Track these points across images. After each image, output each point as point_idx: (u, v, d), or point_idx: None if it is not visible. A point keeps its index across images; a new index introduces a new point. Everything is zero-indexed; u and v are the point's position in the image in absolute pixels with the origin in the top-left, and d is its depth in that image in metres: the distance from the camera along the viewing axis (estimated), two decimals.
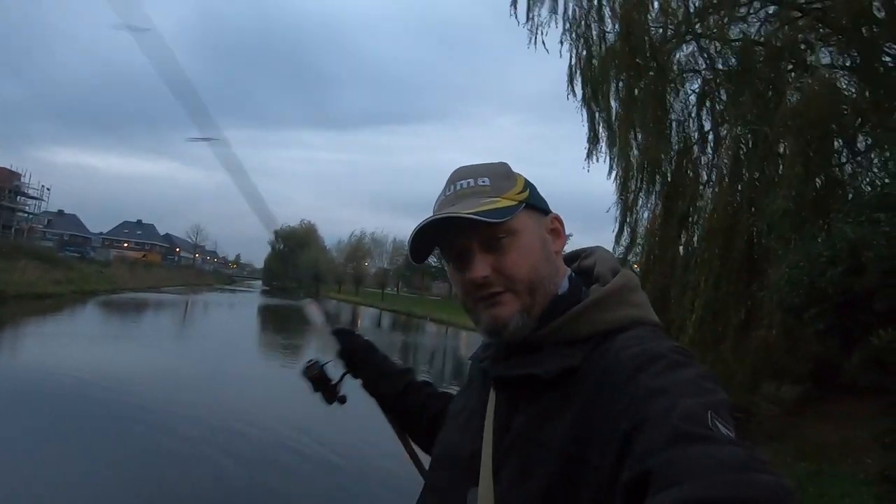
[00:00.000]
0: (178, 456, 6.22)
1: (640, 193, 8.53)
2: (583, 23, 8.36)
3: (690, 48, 8.22)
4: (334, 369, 1.20)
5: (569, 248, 0.92)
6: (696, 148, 8.42)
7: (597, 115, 8.67)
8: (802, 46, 7.44)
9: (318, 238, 78.71)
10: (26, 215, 48.82)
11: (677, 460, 0.49)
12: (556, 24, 8.49)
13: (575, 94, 8.81)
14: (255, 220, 1.17)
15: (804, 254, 5.07)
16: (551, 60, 9.59)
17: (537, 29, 8.55)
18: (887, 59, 6.73)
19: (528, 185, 0.81)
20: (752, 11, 7.72)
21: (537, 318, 0.76)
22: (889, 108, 6.40)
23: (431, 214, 0.78)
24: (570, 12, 8.40)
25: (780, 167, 6.94)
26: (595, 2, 8.20)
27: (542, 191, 0.85)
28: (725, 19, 7.35)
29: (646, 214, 8.63)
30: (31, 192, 47.98)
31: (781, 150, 7.11)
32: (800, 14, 7.31)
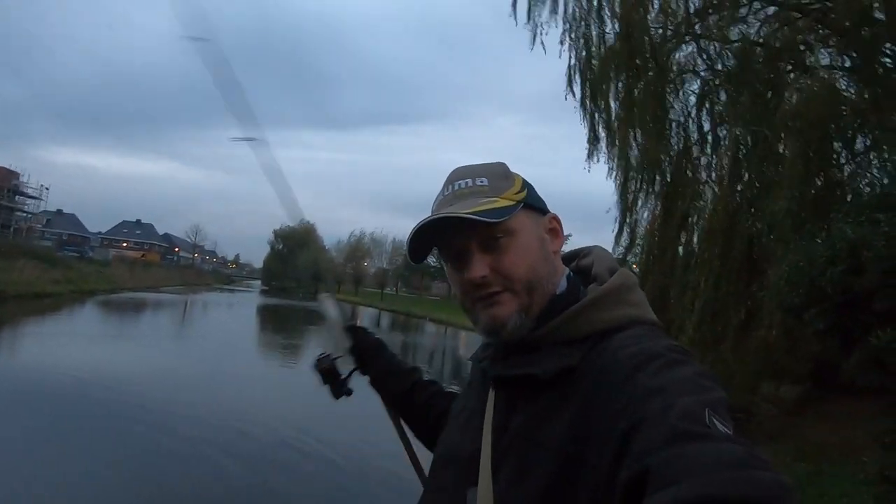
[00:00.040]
0: (178, 455, 6.22)
1: (640, 194, 8.54)
2: (583, 23, 8.36)
3: (690, 48, 8.23)
4: (344, 364, 1.22)
5: (568, 248, 0.92)
6: (695, 148, 8.42)
7: (596, 115, 8.66)
8: (802, 48, 7.46)
9: (318, 238, 78.54)
10: (25, 214, 48.77)
11: (675, 459, 0.49)
12: (557, 24, 8.50)
13: (574, 95, 8.81)
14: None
15: (804, 253, 5.07)
16: (551, 60, 9.59)
17: (538, 29, 8.56)
18: (886, 60, 6.74)
19: (526, 185, 0.82)
20: (751, 12, 7.72)
21: (535, 318, 0.76)
22: (889, 110, 6.40)
23: (430, 215, 0.78)
24: (570, 13, 8.40)
25: (780, 168, 6.94)
26: (595, 2, 8.20)
27: (542, 191, 0.85)
28: (726, 20, 7.35)
29: (645, 215, 8.63)
30: (30, 191, 47.94)
31: (781, 151, 7.12)
32: (799, 15, 7.32)
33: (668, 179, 8.20)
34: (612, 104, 8.48)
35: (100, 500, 5.06)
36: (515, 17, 8.66)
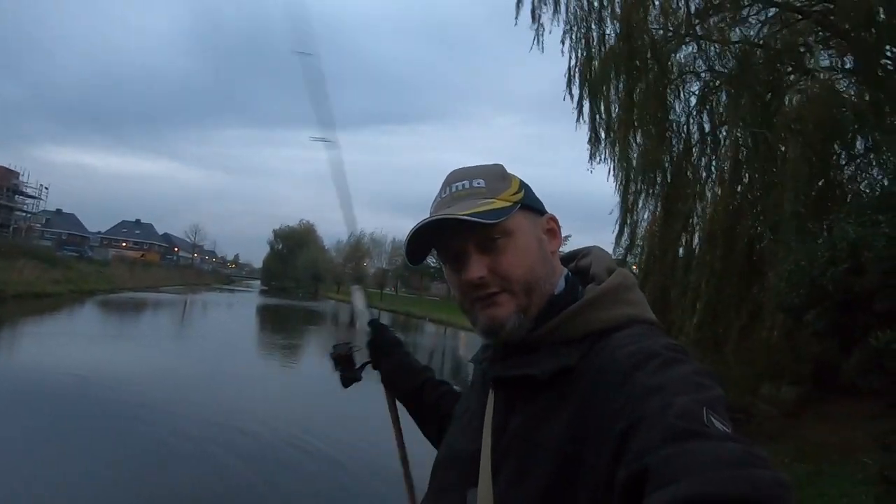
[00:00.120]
0: (178, 455, 6.21)
1: (641, 195, 8.54)
2: (584, 24, 8.37)
3: (690, 49, 8.24)
4: (359, 355, 1.27)
5: (568, 248, 0.92)
6: (696, 150, 8.43)
7: (597, 116, 8.67)
8: (802, 49, 7.46)
9: (317, 238, 78.61)
10: (24, 214, 48.71)
11: (674, 458, 0.49)
12: (559, 24, 8.51)
13: (575, 96, 8.81)
14: (339, 218, 1.35)
15: (805, 253, 5.08)
16: (552, 61, 9.60)
17: (540, 30, 8.56)
18: (887, 62, 6.75)
19: (524, 186, 0.82)
20: (752, 14, 7.73)
21: (534, 319, 0.76)
22: (889, 111, 6.42)
23: (427, 216, 0.79)
24: (571, 13, 8.41)
25: (781, 169, 6.94)
26: (595, 3, 8.20)
27: (542, 191, 0.85)
28: (727, 20, 7.36)
29: (646, 216, 8.63)
30: (29, 190, 47.86)
31: (781, 152, 7.12)
32: (799, 17, 7.32)
33: (669, 180, 8.21)
34: (613, 105, 8.49)
35: (100, 500, 5.05)
36: (517, 18, 8.66)
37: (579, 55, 8.50)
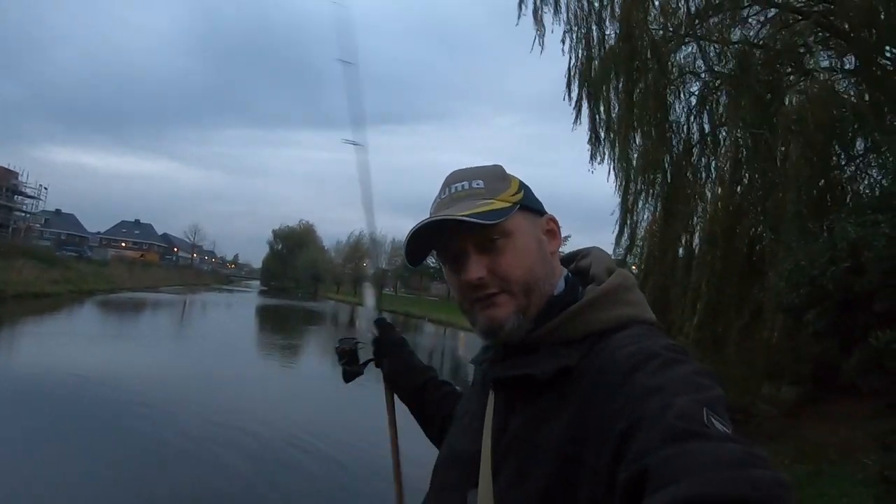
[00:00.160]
0: (178, 454, 6.21)
1: (641, 195, 8.53)
2: (584, 24, 8.38)
3: (690, 49, 8.24)
4: (363, 352, 1.29)
5: (568, 248, 0.92)
6: (696, 150, 8.43)
7: (597, 116, 8.67)
8: (802, 50, 7.47)
9: (317, 238, 78.64)
10: (24, 214, 48.67)
11: (674, 458, 0.49)
12: (559, 24, 8.52)
13: (575, 96, 8.82)
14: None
15: (805, 253, 5.09)
16: (552, 61, 9.60)
17: (541, 30, 8.57)
18: (886, 62, 6.75)
19: (523, 187, 0.82)
20: (751, 14, 7.73)
21: (533, 319, 0.76)
22: (889, 111, 6.42)
23: (426, 217, 0.79)
24: (571, 14, 8.42)
25: (781, 169, 6.95)
26: (596, 3, 8.21)
27: (542, 191, 0.85)
28: (727, 21, 7.36)
29: (646, 216, 8.63)
30: (28, 191, 47.83)
31: (781, 152, 7.12)
32: (799, 17, 7.33)
33: (669, 181, 8.20)
34: (613, 105, 8.49)
35: (100, 500, 5.05)
36: (519, 18, 8.67)
37: (580, 55, 8.52)
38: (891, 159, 5.77)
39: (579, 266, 0.86)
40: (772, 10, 7.63)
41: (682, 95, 8.48)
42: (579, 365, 0.69)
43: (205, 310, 32.97)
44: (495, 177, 0.82)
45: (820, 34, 7.36)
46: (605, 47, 8.22)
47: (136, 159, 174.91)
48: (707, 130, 8.42)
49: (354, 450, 6.78)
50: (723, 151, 8.03)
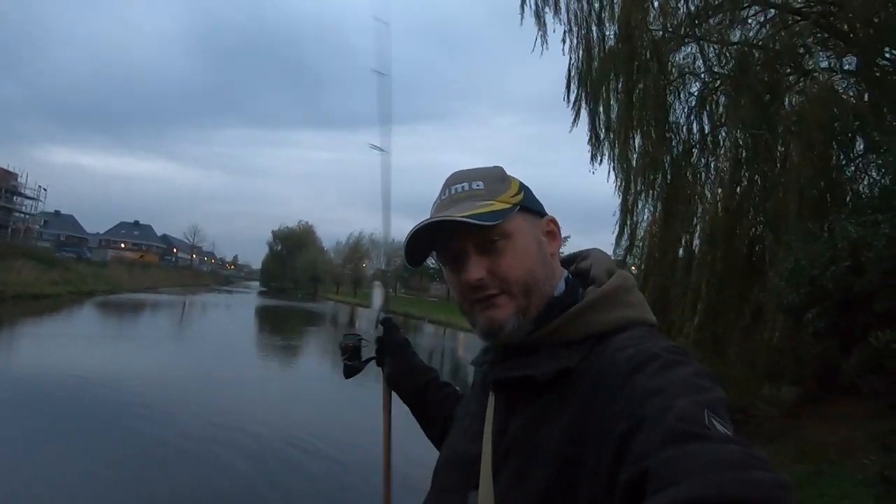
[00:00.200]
0: (179, 455, 6.21)
1: (641, 195, 8.54)
2: (584, 25, 8.38)
3: (689, 49, 8.25)
4: (366, 349, 1.31)
5: (568, 248, 0.93)
6: (696, 150, 8.43)
7: (597, 117, 8.67)
8: (801, 51, 7.48)
9: (316, 239, 78.62)
10: (23, 216, 48.66)
11: (674, 460, 0.49)
12: (560, 25, 8.53)
13: (573, 97, 8.82)
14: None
15: (806, 253, 5.09)
16: (552, 61, 9.62)
17: (542, 30, 8.57)
18: (885, 62, 6.76)
19: (523, 188, 0.82)
20: (750, 15, 7.74)
21: (533, 320, 0.76)
22: (889, 111, 6.43)
23: (426, 218, 0.79)
24: (571, 14, 8.42)
25: (781, 170, 6.95)
26: (595, 4, 8.21)
27: (541, 191, 0.86)
28: (726, 22, 7.37)
29: (646, 216, 8.63)
30: (27, 192, 47.88)
31: (781, 153, 7.13)
32: (798, 18, 7.33)
33: (669, 181, 8.20)
34: (613, 105, 8.50)
35: (100, 500, 5.05)
36: (522, 18, 8.68)
37: (580, 55, 8.53)
38: (890, 159, 5.76)
39: (579, 268, 0.86)
40: (771, 10, 7.64)
41: (681, 96, 8.48)
42: (579, 366, 0.70)
43: (204, 311, 32.96)
44: (496, 178, 0.82)
45: (819, 35, 7.37)
46: (604, 48, 8.22)
47: (136, 160, 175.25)
48: (707, 131, 8.42)
49: (355, 449, 6.78)
50: (722, 152, 8.03)
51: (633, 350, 0.66)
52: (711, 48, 8.01)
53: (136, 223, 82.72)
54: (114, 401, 8.16)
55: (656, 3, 7.86)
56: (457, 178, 0.83)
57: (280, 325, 27.44)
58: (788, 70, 7.51)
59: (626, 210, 8.52)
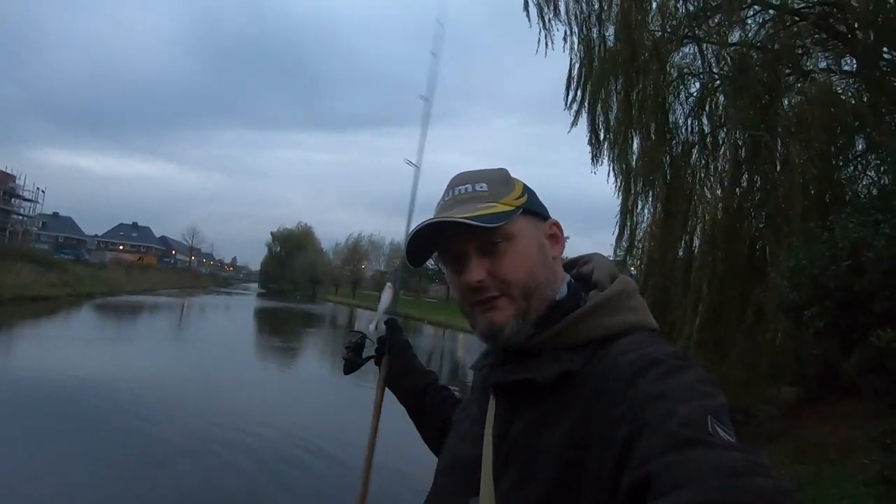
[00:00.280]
0: (180, 455, 6.20)
1: (641, 196, 8.55)
2: (584, 25, 8.40)
3: (688, 50, 8.26)
4: (369, 348, 1.33)
5: (568, 248, 0.92)
6: (695, 151, 8.44)
7: (597, 117, 8.68)
8: (800, 52, 7.49)
9: (315, 240, 78.63)
10: (21, 217, 48.60)
11: (677, 465, 0.49)
12: (560, 25, 8.57)
13: (573, 97, 8.83)
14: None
15: (806, 253, 5.10)
16: (552, 61, 9.65)
17: (550, 31, 8.60)
18: (883, 63, 6.77)
19: (527, 191, 0.82)
20: (749, 15, 7.75)
21: (534, 324, 0.76)
22: (888, 112, 6.44)
23: (429, 218, 0.80)
24: (571, 15, 8.44)
25: (783, 171, 6.96)
26: (595, 5, 8.22)
27: (542, 191, 0.86)
28: (725, 22, 7.38)
29: (646, 217, 8.64)
30: (25, 194, 47.82)
31: (780, 153, 7.13)
32: (797, 19, 7.35)
33: (668, 181, 8.21)
34: (612, 106, 8.51)
35: (100, 500, 5.05)
36: (529, 20, 8.70)
37: (580, 56, 8.55)
38: (889, 160, 5.78)
39: (581, 272, 0.86)
40: (770, 11, 7.65)
41: (681, 96, 8.49)
42: (582, 371, 0.70)
43: (203, 313, 32.94)
44: (499, 180, 0.82)
45: (817, 36, 7.39)
46: (604, 48, 8.23)
47: (134, 161, 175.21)
48: (706, 131, 8.43)
49: (356, 449, 6.76)
50: (722, 152, 8.03)
51: (636, 355, 0.66)
52: (710, 49, 8.02)
53: (135, 225, 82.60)
54: (113, 402, 8.14)
55: (655, 4, 7.87)
56: (460, 179, 0.83)
57: (279, 327, 27.43)
58: (787, 71, 7.52)
59: (626, 210, 8.53)
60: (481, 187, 0.80)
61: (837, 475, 5.09)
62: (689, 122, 8.51)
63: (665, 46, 7.84)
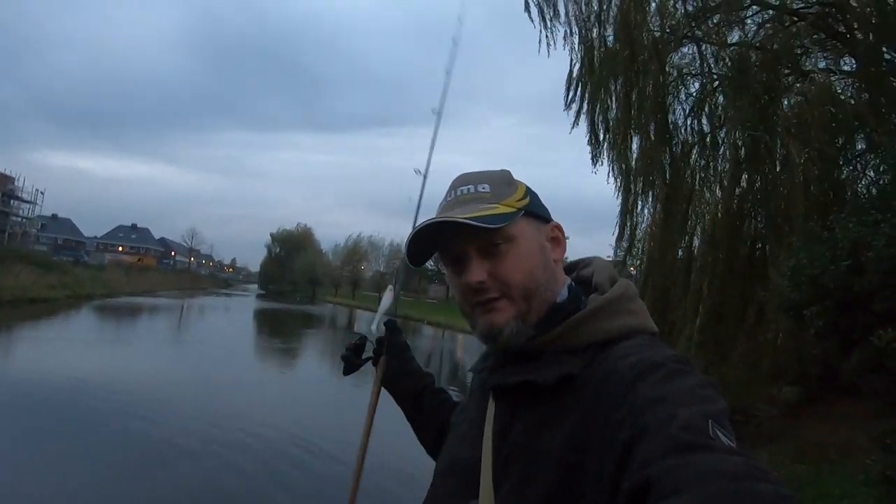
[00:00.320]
0: (180, 455, 6.20)
1: (640, 196, 8.55)
2: (583, 26, 8.40)
3: (687, 50, 8.27)
4: (368, 349, 1.33)
5: (568, 248, 0.92)
6: (695, 151, 8.44)
7: (596, 117, 8.69)
8: (799, 52, 7.50)
9: (315, 242, 78.62)
10: (20, 219, 48.58)
11: (677, 469, 0.49)
12: (560, 25, 8.57)
13: (573, 97, 8.84)
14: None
15: (807, 252, 5.10)
16: (552, 61, 9.65)
17: (553, 31, 8.62)
18: (883, 63, 6.78)
19: (530, 193, 0.82)
20: (748, 16, 7.76)
21: (534, 326, 0.76)
22: (887, 112, 6.44)
23: (430, 218, 0.79)
24: (571, 15, 8.46)
25: (783, 171, 6.96)
26: (595, 5, 8.23)
27: (542, 192, 0.85)
28: (724, 23, 7.39)
29: (646, 217, 8.65)
30: (24, 195, 47.81)
31: (780, 153, 7.14)
32: (796, 19, 7.36)
33: (668, 182, 8.22)
34: (612, 106, 8.52)
35: (100, 500, 5.04)
36: (532, 20, 8.71)
37: (580, 56, 8.56)
38: (889, 160, 5.78)
39: (581, 275, 0.86)
40: (769, 11, 7.66)
41: (680, 97, 8.51)
42: (582, 374, 0.69)
43: (202, 314, 32.90)
44: (502, 182, 0.82)
45: (816, 36, 7.40)
46: (604, 48, 8.24)
47: (134, 163, 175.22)
48: (706, 131, 8.44)
49: (355, 449, 6.75)
50: (722, 152, 8.05)
51: (636, 358, 0.66)
52: (710, 49, 8.03)
53: (134, 226, 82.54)
54: (113, 403, 8.13)
55: (654, 5, 7.88)
56: (463, 180, 0.83)
57: (278, 328, 27.42)
58: (787, 71, 7.53)
59: (626, 211, 8.54)
60: (483, 188, 0.80)
61: (838, 475, 5.08)
62: (689, 123, 8.53)
63: (664, 47, 7.84)
